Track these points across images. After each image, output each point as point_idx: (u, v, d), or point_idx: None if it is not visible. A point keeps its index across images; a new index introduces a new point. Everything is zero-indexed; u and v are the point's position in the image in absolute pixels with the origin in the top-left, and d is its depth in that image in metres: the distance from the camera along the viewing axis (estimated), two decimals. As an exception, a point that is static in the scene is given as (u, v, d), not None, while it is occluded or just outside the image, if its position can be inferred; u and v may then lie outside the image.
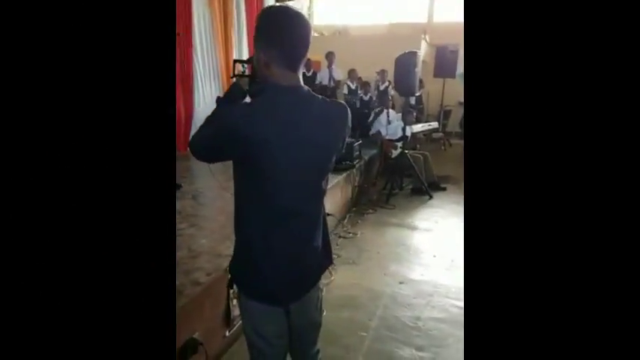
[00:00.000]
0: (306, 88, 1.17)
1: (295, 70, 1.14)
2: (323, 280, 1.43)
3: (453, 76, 8.37)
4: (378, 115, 6.32)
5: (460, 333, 2.52)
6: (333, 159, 1.25)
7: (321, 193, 1.26)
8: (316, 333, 1.44)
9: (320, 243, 1.29)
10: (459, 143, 8.75)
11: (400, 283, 3.18)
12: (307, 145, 1.14)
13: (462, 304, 2.88)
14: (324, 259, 1.34)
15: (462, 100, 8.37)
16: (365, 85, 7.62)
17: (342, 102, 1.30)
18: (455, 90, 8.77)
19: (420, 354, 2.34)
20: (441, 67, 8.40)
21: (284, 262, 1.22)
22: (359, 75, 7.82)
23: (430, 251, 3.80)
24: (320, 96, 1.20)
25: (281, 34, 1.11)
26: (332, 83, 7.62)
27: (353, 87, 7.79)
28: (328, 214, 3.95)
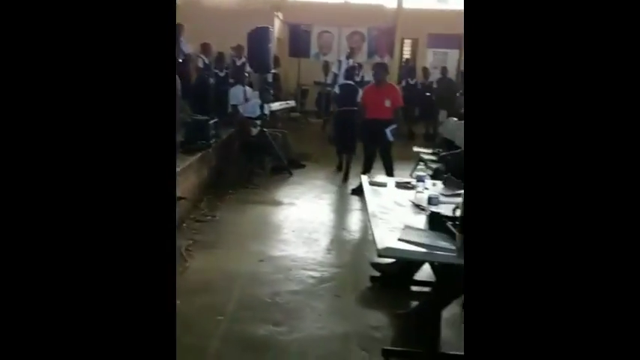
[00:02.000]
0: None
1: None
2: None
3: (307, 55, 8.57)
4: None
5: (313, 303, 2.63)
6: None
7: None
8: None
9: None
10: (316, 122, 9.08)
11: (260, 260, 3.17)
12: None
13: (317, 274, 3.01)
14: None
15: (318, 79, 8.66)
16: (220, 60, 7.29)
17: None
18: (310, 70, 9.02)
19: (278, 329, 2.36)
20: (296, 46, 8.53)
21: None
22: (214, 49, 7.44)
23: (290, 227, 3.88)
24: None
25: None
26: (181, 57, 7.10)
27: (207, 62, 7.40)
28: (180, 198, 3.68)
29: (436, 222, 2.13)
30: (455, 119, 5.67)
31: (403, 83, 9.43)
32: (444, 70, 9.11)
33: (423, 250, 1.91)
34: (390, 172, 4.53)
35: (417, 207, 2.47)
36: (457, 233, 1.91)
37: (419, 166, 2.77)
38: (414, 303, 2.68)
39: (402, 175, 5.35)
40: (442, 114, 7.78)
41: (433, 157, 5.26)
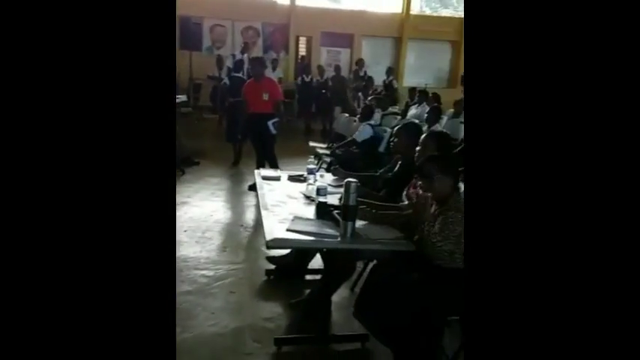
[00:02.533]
0: None
1: None
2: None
3: (199, 49, 8.26)
4: None
5: (205, 301, 2.56)
6: None
7: None
8: None
9: None
10: (212, 117, 8.81)
11: (148, 264, 2.99)
12: None
13: (210, 272, 2.93)
14: None
15: (212, 74, 8.39)
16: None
17: None
18: (203, 64, 8.70)
19: (167, 331, 2.26)
20: (187, 39, 8.17)
21: None
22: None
23: (182, 227, 3.71)
24: None
25: None
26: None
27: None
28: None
29: (323, 211, 2.22)
30: (346, 115, 5.94)
31: (299, 80, 9.60)
32: (337, 68, 9.46)
33: (310, 238, 1.98)
34: (274, 165, 4.57)
35: (308, 198, 2.54)
36: (341, 220, 2.01)
37: (309, 160, 2.85)
38: (308, 291, 2.76)
39: (300, 169, 5.49)
40: (337, 110, 8.08)
41: (327, 152, 5.45)
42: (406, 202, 2.32)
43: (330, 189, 2.57)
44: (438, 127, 4.90)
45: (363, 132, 4.85)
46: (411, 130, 2.73)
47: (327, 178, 2.98)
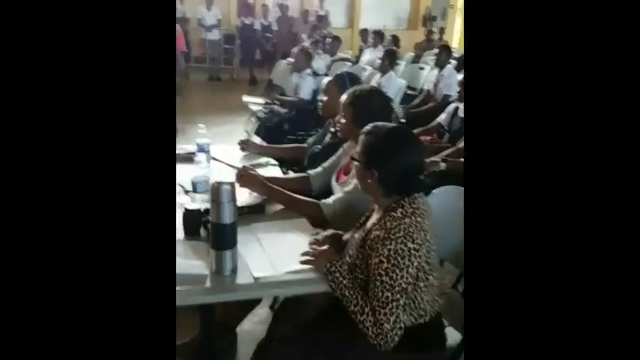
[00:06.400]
0: None
1: None
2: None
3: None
4: None
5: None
6: None
7: None
8: None
9: None
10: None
11: None
12: None
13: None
14: None
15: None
16: None
17: None
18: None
19: None
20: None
21: None
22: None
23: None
24: None
25: None
26: None
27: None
28: None
29: (193, 224, 1.36)
30: (285, 61, 4.91)
31: (239, 22, 8.35)
32: (283, 7, 8.24)
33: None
34: None
35: (187, 193, 1.66)
36: (212, 250, 1.17)
37: (200, 128, 1.92)
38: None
39: (233, 132, 4.52)
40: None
41: (264, 109, 4.51)
42: (330, 200, 1.49)
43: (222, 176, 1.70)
44: (392, 75, 4.03)
45: (304, 86, 3.91)
46: (344, 83, 1.86)
47: (231, 156, 2.10)
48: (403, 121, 3.91)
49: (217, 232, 1.14)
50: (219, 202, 1.12)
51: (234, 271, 1.17)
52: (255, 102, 4.89)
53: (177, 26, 3.83)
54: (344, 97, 1.57)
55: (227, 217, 1.13)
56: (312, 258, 1.19)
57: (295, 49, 4.18)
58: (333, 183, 1.68)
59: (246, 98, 4.92)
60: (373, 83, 4.14)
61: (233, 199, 1.14)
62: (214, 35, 8.11)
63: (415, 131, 2.71)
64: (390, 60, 4.04)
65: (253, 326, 1.78)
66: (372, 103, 1.51)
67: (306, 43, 5.90)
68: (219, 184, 1.12)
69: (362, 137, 1.21)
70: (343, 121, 1.57)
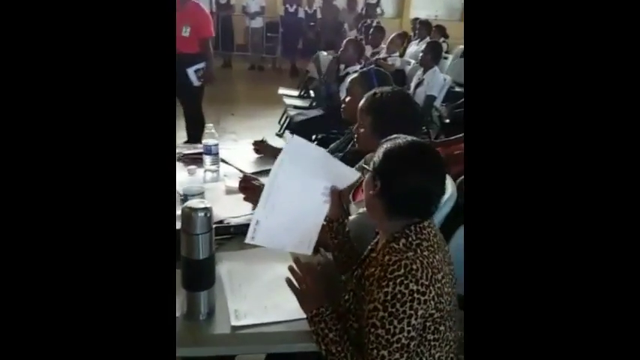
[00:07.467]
0: None
1: None
2: None
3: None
4: None
5: None
6: None
7: None
8: None
9: None
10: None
11: None
12: None
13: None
14: None
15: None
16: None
17: None
18: None
19: None
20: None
21: None
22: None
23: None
24: None
25: None
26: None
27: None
28: None
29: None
30: (325, 53, 4.65)
31: (283, 11, 8.15)
32: (328, -5, 7.95)
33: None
34: (198, 135, 3.16)
35: (184, 201, 1.47)
36: (187, 292, 0.96)
37: (207, 129, 1.71)
38: None
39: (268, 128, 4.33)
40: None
41: (299, 103, 4.29)
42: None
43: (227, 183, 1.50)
44: (436, 70, 3.66)
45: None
46: (371, 82, 1.58)
47: (244, 158, 1.89)
48: (447, 121, 3.58)
49: (189, 269, 0.93)
50: (190, 234, 0.90)
51: (210, 314, 0.96)
52: (290, 94, 4.68)
53: (205, 9, 3.63)
54: (362, 102, 1.30)
55: (201, 252, 0.91)
56: (297, 288, 0.97)
57: (344, 42, 3.86)
58: (351, 198, 1.43)
59: (281, 90, 4.73)
60: (415, 79, 3.81)
61: (209, 228, 0.92)
62: (257, 23, 7.99)
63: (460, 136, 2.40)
64: (432, 53, 3.67)
65: None
66: (394, 109, 1.25)
67: (351, 34, 5.58)
68: (190, 209, 0.90)
69: (380, 147, 0.99)
70: (362, 130, 1.31)
